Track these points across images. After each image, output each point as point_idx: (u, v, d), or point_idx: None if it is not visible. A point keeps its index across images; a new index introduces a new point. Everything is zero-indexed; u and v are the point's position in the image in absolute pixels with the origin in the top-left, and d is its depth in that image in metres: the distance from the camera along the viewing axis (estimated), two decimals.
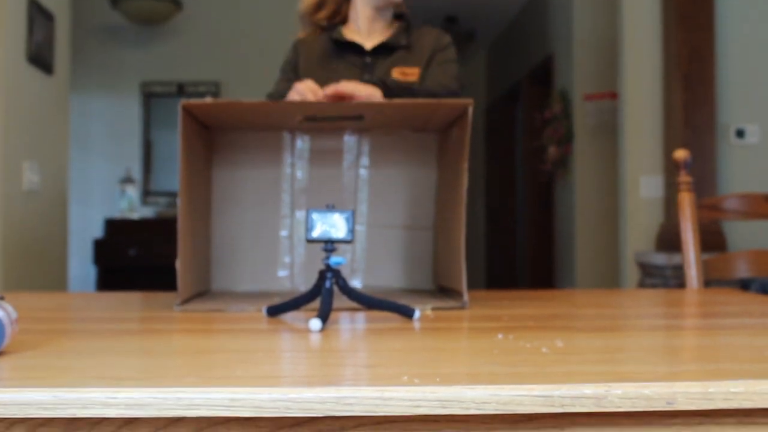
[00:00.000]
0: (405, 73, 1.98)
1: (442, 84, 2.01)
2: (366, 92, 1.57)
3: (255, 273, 1.71)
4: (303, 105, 1.53)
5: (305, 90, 1.58)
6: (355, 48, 2.09)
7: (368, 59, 2.07)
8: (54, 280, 3.52)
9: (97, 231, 5.49)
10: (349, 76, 1.92)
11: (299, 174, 1.74)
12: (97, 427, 0.72)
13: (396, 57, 2.08)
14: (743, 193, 2.03)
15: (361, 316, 1.28)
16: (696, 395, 0.72)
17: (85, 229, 5.49)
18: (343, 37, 2.09)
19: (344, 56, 2.08)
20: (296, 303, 1.23)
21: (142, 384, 0.71)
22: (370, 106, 1.55)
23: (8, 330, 0.84)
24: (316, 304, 1.19)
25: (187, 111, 1.42)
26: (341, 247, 1.68)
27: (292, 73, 2.08)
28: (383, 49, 2.08)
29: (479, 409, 0.71)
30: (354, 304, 1.30)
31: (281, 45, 1.67)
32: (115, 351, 0.94)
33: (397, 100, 1.56)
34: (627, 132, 4.40)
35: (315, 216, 1.20)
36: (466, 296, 1.38)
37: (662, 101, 4.41)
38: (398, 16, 2.16)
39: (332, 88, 1.52)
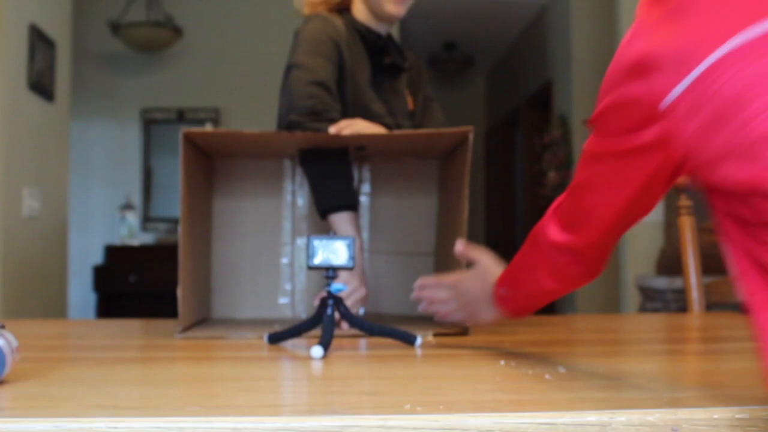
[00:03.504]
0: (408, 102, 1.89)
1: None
2: (374, 130, 1.57)
3: (256, 300, 1.71)
4: (303, 137, 1.53)
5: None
6: (378, 58, 1.79)
7: (378, 79, 1.79)
8: (54, 306, 3.51)
9: (97, 257, 5.48)
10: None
11: (300, 201, 1.74)
12: None
13: (402, 81, 1.85)
14: None
15: (363, 343, 1.28)
16: (701, 421, 0.72)
17: (84, 256, 5.48)
18: (386, 56, 1.79)
19: (366, 63, 1.77)
20: (298, 330, 1.23)
21: (143, 413, 0.71)
22: (373, 138, 1.55)
23: (9, 359, 0.84)
24: (318, 331, 1.19)
25: (188, 139, 1.43)
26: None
27: (334, 67, 1.67)
28: (392, 68, 1.82)
29: None
30: (356, 331, 1.30)
31: (281, 72, 1.66)
32: (116, 379, 0.93)
33: (398, 132, 1.56)
34: None
35: (316, 243, 1.19)
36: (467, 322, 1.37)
37: None
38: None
39: (347, 129, 1.51)
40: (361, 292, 1.54)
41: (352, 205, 1.57)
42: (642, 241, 4.36)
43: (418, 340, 1.22)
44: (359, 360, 1.11)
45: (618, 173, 0.77)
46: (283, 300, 1.72)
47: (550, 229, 0.93)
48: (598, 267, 0.96)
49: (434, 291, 1.26)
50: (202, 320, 1.60)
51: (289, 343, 1.25)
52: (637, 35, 0.67)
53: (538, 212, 6.66)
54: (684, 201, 1.95)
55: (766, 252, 0.62)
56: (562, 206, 0.92)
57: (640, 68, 0.66)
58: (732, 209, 0.65)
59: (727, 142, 0.62)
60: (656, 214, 4.36)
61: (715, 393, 0.80)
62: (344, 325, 1.31)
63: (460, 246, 1.24)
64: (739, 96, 0.60)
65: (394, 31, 2.49)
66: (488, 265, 1.19)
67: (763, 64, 0.59)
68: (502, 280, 1.10)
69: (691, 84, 0.62)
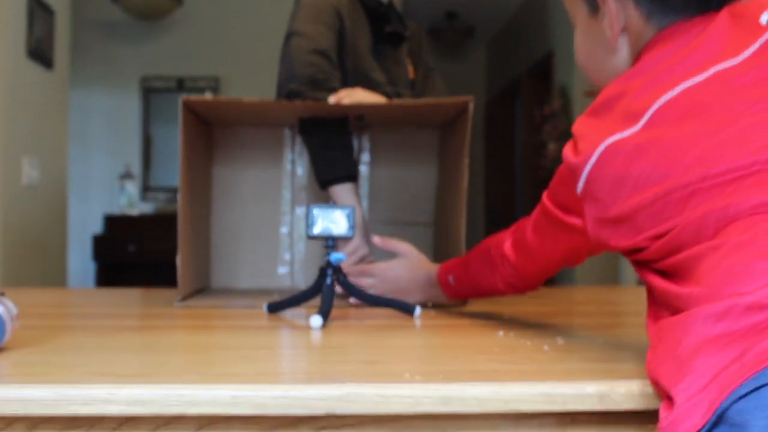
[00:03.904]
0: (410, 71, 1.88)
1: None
2: (373, 100, 1.56)
3: (255, 269, 1.71)
4: (302, 106, 1.52)
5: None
6: (379, 26, 1.76)
7: (379, 47, 1.76)
8: (53, 275, 3.51)
9: (97, 227, 5.48)
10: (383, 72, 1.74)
11: (299, 170, 1.73)
12: (98, 424, 0.72)
13: (403, 49, 1.82)
14: None
15: (362, 312, 1.28)
16: None
17: (84, 225, 5.48)
18: (387, 24, 1.77)
19: (367, 31, 1.75)
20: (297, 300, 1.23)
21: (143, 381, 0.71)
22: (373, 107, 1.54)
23: (8, 326, 0.84)
24: (317, 300, 1.19)
25: (188, 107, 1.42)
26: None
27: (335, 34, 1.65)
28: (393, 37, 1.80)
29: (481, 407, 0.70)
30: (355, 301, 1.30)
31: (281, 40, 1.65)
32: (115, 347, 0.93)
33: (398, 102, 1.55)
34: None
35: (316, 212, 1.19)
36: None
37: None
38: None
39: (347, 99, 1.50)
40: (370, 257, 1.56)
41: (352, 176, 1.57)
42: None
43: (417, 311, 1.22)
44: (358, 329, 1.11)
45: (556, 233, 0.97)
46: (282, 269, 1.72)
47: (506, 243, 1.09)
48: (533, 285, 1.12)
49: (357, 279, 1.34)
50: (202, 289, 1.60)
51: (288, 313, 1.25)
52: (567, 146, 0.84)
53: (538, 183, 6.65)
54: None
55: (648, 278, 0.79)
56: (519, 230, 1.07)
57: (568, 167, 0.83)
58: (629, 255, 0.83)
59: (611, 226, 0.79)
60: None
61: None
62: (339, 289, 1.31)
63: (377, 238, 1.37)
64: (606, 193, 0.77)
65: (396, 0, 2.47)
66: (416, 255, 1.34)
67: (613, 166, 0.76)
68: (451, 270, 1.23)
69: (582, 188, 0.79)
